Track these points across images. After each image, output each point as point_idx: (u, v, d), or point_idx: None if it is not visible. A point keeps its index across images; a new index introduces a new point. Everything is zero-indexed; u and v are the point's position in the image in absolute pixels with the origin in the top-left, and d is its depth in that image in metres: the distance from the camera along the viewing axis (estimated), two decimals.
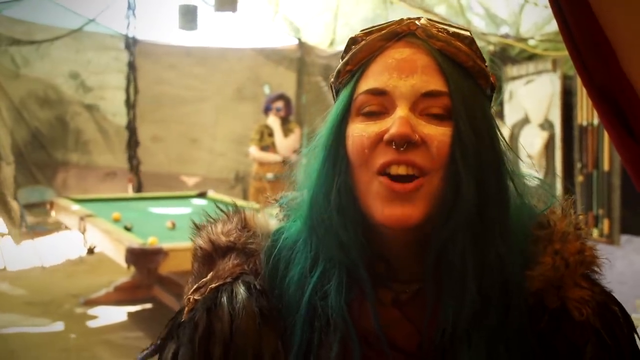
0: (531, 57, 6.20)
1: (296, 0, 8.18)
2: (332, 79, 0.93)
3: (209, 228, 0.97)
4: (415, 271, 0.87)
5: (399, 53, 0.85)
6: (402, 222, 0.81)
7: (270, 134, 6.45)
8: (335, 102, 0.92)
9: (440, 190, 0.82)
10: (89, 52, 8.18)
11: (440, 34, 0.86)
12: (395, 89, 0.83)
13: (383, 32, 0.87)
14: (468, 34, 0.88)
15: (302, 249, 0.90)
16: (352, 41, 0.89)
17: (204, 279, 0.91)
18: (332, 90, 0.95)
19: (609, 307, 0.88)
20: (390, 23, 0.88)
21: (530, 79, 5.94)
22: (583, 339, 0.85)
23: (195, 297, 0.90)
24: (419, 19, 0.88)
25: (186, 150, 8.89)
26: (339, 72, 0.90)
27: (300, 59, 9.17)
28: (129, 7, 8.19)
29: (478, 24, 6.90)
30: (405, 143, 0.80)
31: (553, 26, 6.09)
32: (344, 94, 0.88)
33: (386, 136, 0.81)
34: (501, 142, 0.88)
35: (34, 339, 4.79)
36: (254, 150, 6.49)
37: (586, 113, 5.33)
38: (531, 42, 6.33)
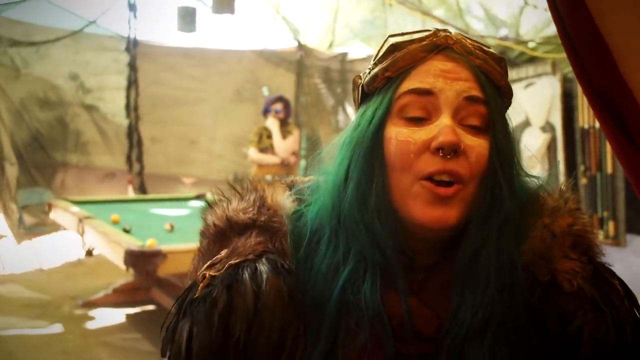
0: (531, 59, 6.20)
1: (296, 2, 8.19)
2: (364, 82, 0.94)
3: (224, 205, 0.95)
4: (427, 262, 0.90)
5: (442, 64, 0.88)
6: (442, 223, 0.84)
7: (269, 136, 6.44)
8: (359, 103, 0.95)
9: (475, 196, 0.86)
10: (88, 54, 8.16)
11: (477, 51, 0.90)
12: (441, 91, 0.86)
13: (424, 43, 0.89)
14: (498, 54, 0.93)
15: (327, 243, 0.90)
16: (393, 48, 0.90)
17: (219, 256, 0.90)
18: (357, 92, 0.96)
19: (608, 280, 0.90)
20: (427, 34, 0.90)
21: (530, 81, 5.94)
22: (574, 307, 0.86)
23: (211, 273, 0.87)
24: (447, 31, 0.91)
25: (185, 151, 8.88)
26: (375, 76, 0.91)
27: (300, 61, 9.16)
28: (130, 9, 8.19)
29: (477, 26, 6.90)
30: (452, 151, 0.83)
31: (553, 29, 6.10)
32: (381, 98, 0.90)
33: (435, 143, 0.84)
34: (516, 148, 0.93)
35: (33, 341, 4.78)
36: (252, 152, 6.48)
37: (587, 116, 5.34)
38: (530, 45, 6.33)
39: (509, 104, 0.94)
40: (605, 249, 0.95)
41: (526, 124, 5.98)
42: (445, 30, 0.91)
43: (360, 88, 0.95)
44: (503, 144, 0.87)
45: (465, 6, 6.89)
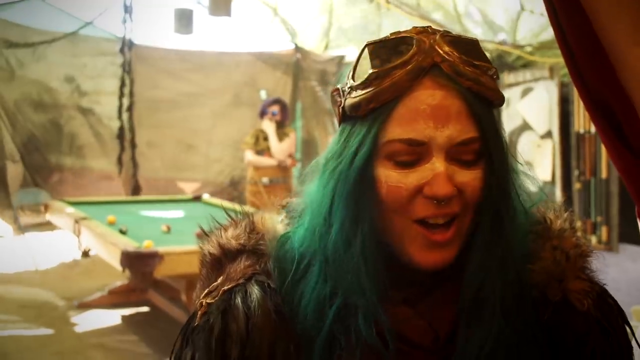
0: (528, 64, 6.22)
1: (293, 4, 8.19)
2: (345, 104, 0.88)
3: (218, 233, 0.98)
4: (429, 277, 0.89)
5: (431, 97, 0.82)
6: (440, 265, 0.85)
7: (266, 138, 6.44)
8: (340, 119, 0.90)
9: (472, 224, 0.86)
10: (84, 56, 8.14)
11: (467, 69, 0.83)
12: (432, 140, 0.82)
13: (408, 68, 0.83)
14: (489, 65, 0.86)
15: (316, 274, 0.89)
16: (375, 75, 0.84)
17: (215, 283, 0.92)
18: (337, 109, 0.91)
19: (606, 300, 0.93)
20: (411, 52, 0.83)
21: (528, 86, 5.96)
22: (585, 328, 0.89)
23: (208, 301, 0.91)
24: (432, 35, 0.85)
25: (182, 155, 8.86)
26: (358, 105, 0.85)
27: (297, 63, 9.17)
28: (126, 11, 8.18)
29: (475, 30, 6.91)
30: (447, 199, 0.82)
31: (550, 33, 6.12)
32: (366, 132, 0.85)
33: (428, 192, 0.82)
34: (510, 158, 0.90)
35: (28, 342, 4.77)
36: (249, 155, 6.48)
37: (583, 121, 5.35)
38: (527, 49, 6.35)
39: (501, 104, 0.90)
40: (600, 255, 0.97)
41: (522, 128, 5.99)
42: (429, 35, 0.85)
43: (340, 108, 0.90)
44: (499, 170, 0.85)
45: (463, 10, 6.90)
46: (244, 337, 0.87)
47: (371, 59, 0.85)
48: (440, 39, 0.85)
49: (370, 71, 0.84)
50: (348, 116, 0.88)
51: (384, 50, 0.85)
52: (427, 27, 0.87)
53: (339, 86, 0.90)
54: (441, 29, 0.87)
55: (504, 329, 0.85)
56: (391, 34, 0.87)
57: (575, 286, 0.90)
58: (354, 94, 0.86)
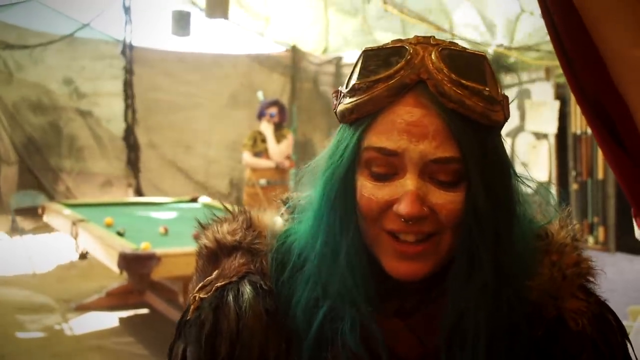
0: (525, 65, 6.23)
1: (288, 12, 8.19)
2: (337, 110, 0.88)
3: (215, 227, 0.98)
4: (420, 286, 0.87)
5: (409, 114, 0.80)
6: (411, 277, 0.82)
7: (264, 140, 6.44)
8: (339, 131, 0.89)
9: (452, 244, 0.82)
10: (83, 58, 8.15)
11: (453, 90, 0.79)
12: (405, 152, 0.79)
13: (391, 83, 0.81)
14: (482, 87, 0.81)
15: (308, 274, 0.89)
16: (358, 87, 0.83)
17: (210, 277, 0.92)
18: (336, 115, 0.91)
19: (604, 317, 0.91)
20: (399, 65, 0.81)
21: (524, 87, 5.98)
22: (579, 348, 0.87)
23: (201, 296, 0.91)
24: (427, 45, 0.83)
25: (180, 156, 8.86)
26: (343, 114, 0.86)
27: (293, 65, 9.18)
28: (126, 12, 8.18)
29: (471, 34, 6.91)
30: (415, 219, 0.79)
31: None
32: (349, 138, 0.85)
33: (396, 210, 0.80)
34: (512, 176, 0.86)
35: (25, 344, 4.77)
36: (247, 156, 6.48)
37: (580, 122, 5.37)
38: (525, 51, 6.36)
39: (502, 122, 0.85)
40: (594, 254, 0.95)
41: (519, 129, 6.00)
42: (427, 47, 0.82)
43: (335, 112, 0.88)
44: (481, 198, 0.80)
45: (461, 15, 6.90)
46: (234, 336, 0.87)
47: (361, 68, 0.84)
48: (435, 53, 0.81)
49: (355, 82, 0.84)
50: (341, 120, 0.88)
51: (375, 59, 0.83)
52: (430, 37, 0.85)
53: (339, 88, 0.89)
54: (446, 40, 0.85)
55: (493, 353, 0.83)
56: (391, 41, 0.85)
57: (571, 305, 0.88)
58: (343, 101, 0.86)
